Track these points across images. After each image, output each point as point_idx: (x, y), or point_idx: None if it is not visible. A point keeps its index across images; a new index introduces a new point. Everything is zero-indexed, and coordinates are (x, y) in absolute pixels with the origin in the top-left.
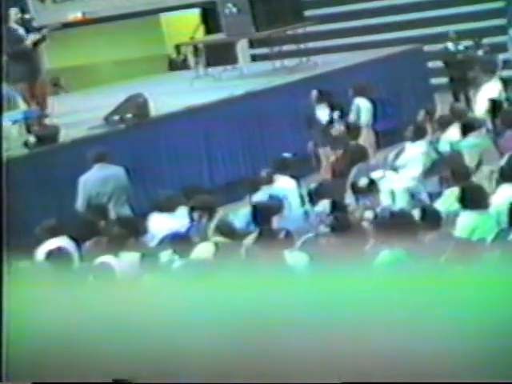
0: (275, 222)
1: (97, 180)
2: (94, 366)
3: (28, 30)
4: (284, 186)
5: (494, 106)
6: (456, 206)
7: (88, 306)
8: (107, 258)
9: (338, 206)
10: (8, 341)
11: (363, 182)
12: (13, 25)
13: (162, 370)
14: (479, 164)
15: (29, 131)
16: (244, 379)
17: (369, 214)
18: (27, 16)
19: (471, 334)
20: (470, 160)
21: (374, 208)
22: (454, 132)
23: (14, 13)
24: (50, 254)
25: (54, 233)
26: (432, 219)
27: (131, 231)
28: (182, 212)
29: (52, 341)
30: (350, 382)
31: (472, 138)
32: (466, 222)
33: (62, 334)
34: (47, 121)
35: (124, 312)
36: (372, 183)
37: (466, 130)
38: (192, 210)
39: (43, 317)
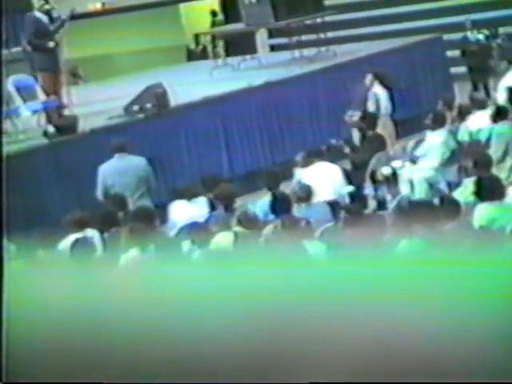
0: (302, 209)
1: (114, 170)
2: (99, 366)
3: (51, 19)
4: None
5: None
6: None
7: (95, 303)
8: (133, 252)
9: (357, 197)
10: (8, 341)
11: (385, 171)
12: (37, 13)
13: (178, 368)
14: (505, 153)
15: (50, 121)
16: (263, 369)
17: (372, 204)
18: (47, 6)
19: (489, 323)
20: (496, 148)
21: (379, 198)
22: (473, 121)
23: (36, 1)
24: (73, 246)
25: (80, 225)
26: (450, 208)
27: (148, 223)
28: (202, 201)
29: (54, 341)
30: (369, 373)
31: (501, 125)
32: (484, 213)
33: (65, 333)
34: (66, 111)
35: (136, 307)
36: (392, 173)
37: (498, 116)
38: (214, 199)
39: (46, 316)
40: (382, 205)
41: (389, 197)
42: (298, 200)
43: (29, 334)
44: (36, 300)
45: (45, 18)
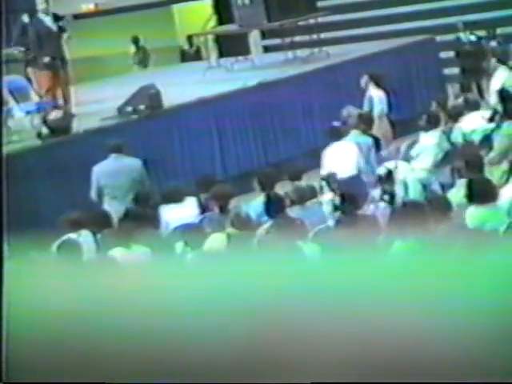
0: (296, 211)
1: (108, 171)
2: (98, 366)
3: (55, 19)
4: None
5: (503, 95)
6: None
7: (93, 304)
8: (117, 251)
9: (348, 198)
10: (8, 341)
11: (381, 171)
12: (40, 15)
13: (171, 368)
14: (506, 153)
15: (44, 122)
16: (256, 370)
17: (375, 194)
18: (46, 5)
19: (484, 324)
20: (498, 147)
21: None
22: (467, 122)
23: (40, 2)
24: (59, 246)
25: (75, 226)
26: (440, 207)
27: (140, 223)
28: (191, 202)
29: (54, 341)
30: (362, 372)
31: (508, 125)
32: (476, 215)
33: (64, 334)
34: (62, 111)
35: (131, 307)
36: (387, 173)
37: (505, 115)
38: (209, 199)
39: (46, 315)
40: (377, 205)
41: (384, 197)
42: (292, 202)
43: (28, 334)
44: (34, 299)
45: (47, 19)
